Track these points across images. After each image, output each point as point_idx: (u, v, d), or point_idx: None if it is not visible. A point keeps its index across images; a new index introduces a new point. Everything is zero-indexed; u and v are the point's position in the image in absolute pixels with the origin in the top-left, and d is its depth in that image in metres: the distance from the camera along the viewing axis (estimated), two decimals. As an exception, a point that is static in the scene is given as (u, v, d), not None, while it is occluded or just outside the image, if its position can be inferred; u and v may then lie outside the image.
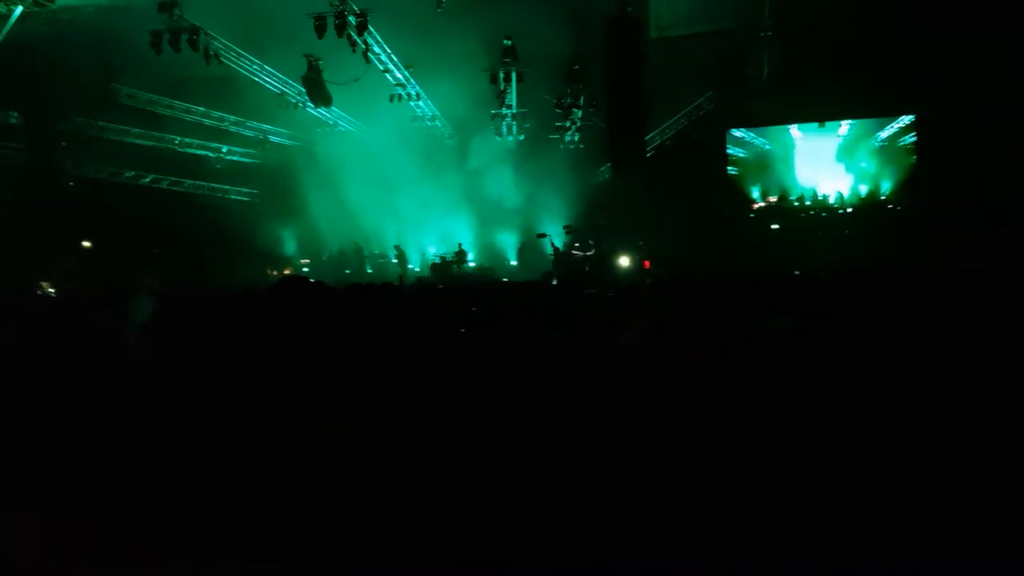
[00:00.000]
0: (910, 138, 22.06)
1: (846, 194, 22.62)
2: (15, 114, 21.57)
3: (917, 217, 20.90)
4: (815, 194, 22.78)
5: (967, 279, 4.10)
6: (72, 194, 22.24)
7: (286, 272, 24.42)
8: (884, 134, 22.41)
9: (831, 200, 22.68)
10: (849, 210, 22.44)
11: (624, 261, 21.33)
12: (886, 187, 22.41)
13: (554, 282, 13.36)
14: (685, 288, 6.05)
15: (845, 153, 22.79)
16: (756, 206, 22.99)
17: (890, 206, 22.16)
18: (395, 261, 24.65)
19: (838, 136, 22.74)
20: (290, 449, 2.59)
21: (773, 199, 22.94)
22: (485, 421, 2.82)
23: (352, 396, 2.99)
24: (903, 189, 22.03)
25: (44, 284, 20.59)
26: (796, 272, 13.10)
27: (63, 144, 22.25)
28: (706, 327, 4.31)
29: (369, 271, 25.17)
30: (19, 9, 19.19)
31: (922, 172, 21.58)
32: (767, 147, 23.18)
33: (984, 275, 4.08)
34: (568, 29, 20.22)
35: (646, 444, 2.70)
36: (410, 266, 24.74)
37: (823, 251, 18.91)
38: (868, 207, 22.21)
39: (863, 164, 22.64)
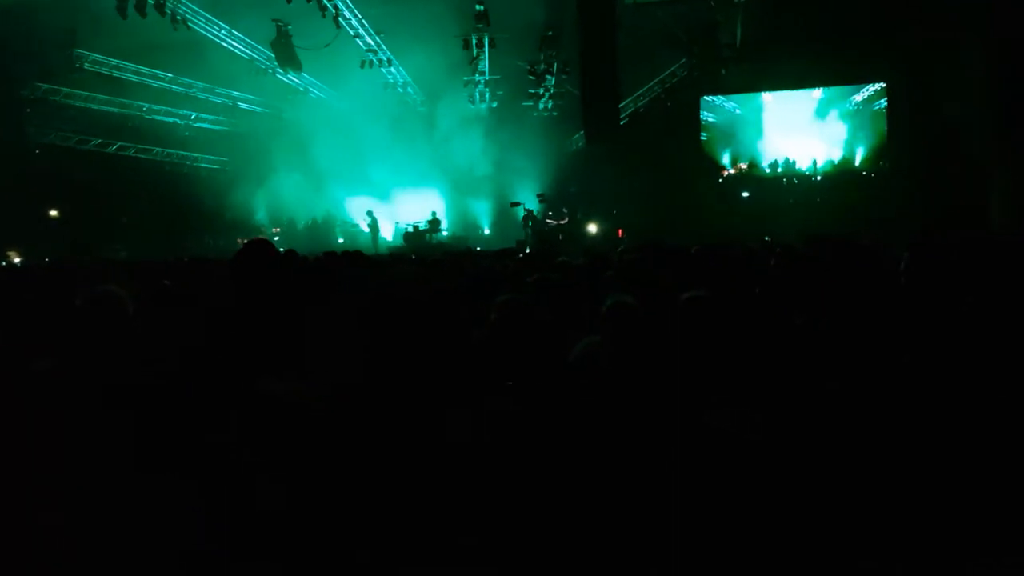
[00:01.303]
0: (884, 102, 22.09)
1: (819, 161, 22.62)
2: (-23, 81, 21.09)
3: (888, 185, 21.16)
4: (787, 161, 22.75)
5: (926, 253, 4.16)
6: (38, 162, 21.83)
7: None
8: (858, 97, 22.36)
9: (803, 167, 22.66)
10: (819, 178, 22.49)
11: (596, 229, 21.41)
12: (859, 153, 22.40)
13: (527, 251, 13.39)
14: (656, 258, 6.13)
15: (818, 117, 22.67)
16: (726, 173, 22.97)
17: (864, 172, 22.22)
18: (367, 230, 24.49)
19: (811, 99, 22.60)
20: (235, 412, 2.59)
21: (743, 166, 22.90)
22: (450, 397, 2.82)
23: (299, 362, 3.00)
24: (875, 156, 22.10)
25: (10, 253, 20.31)
26: (766, 239, 13.25)
27: (28, 111, 21.79)
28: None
29: (340, 240, 25.00)
30: (-21, -28, 18.65)
31: (892, 139, 21.73)
32: (737, 111, 23.08)
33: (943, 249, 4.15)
34: (541, -6, 20.08)
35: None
36: (381, 236, 24.59)
37: (793, 219, 19.07)
38: (840, 174, 22.31)
39: (836, 128, 22.56)
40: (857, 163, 22.36)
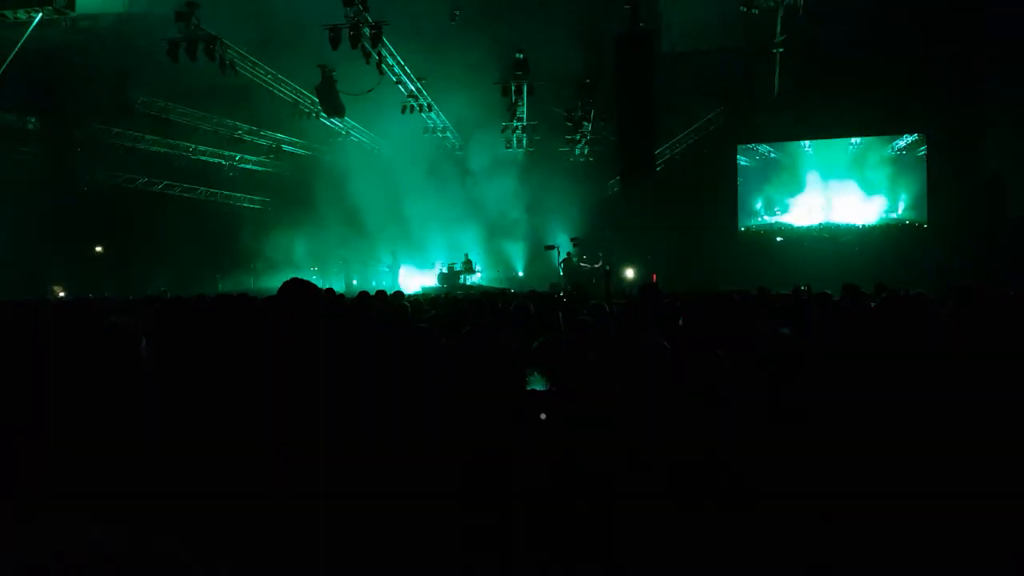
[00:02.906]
0: (925, 148, 21.83)
1: (858, 209, 22.39)
2: (32, 119, 21.87)
3: (928, 237, 20.95)
4: (824, 207, 22.52)
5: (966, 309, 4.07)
6: (86, 199, 22.48)
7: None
8: (902, 143, 22.20)
9: (841, 215, 22.45)
10: (858, 226, 22.31)
11: (631, 274, 21.42)
12: (900, 201, 22.11)
13: (560, 294, 13.45)
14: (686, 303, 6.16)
15: (857, 162, 22.51)
16: (760, 219, 22.88)
17: (906, 222, 21.92)
18: (387, 270, 24.81)
19: (850, 144, 22.52)
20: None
21: (779, 212, 22.80)
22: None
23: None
24: (916, 206, 21.86)
25: (56, 288, 20.83)
26: (802, 287, 13.14)
27: (79, 150, 22.52)
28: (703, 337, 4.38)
29: (355, 282, 25.13)
30: (39, 16, 19.48)
31: (932, 190, 21.57)
32: (772, 155, 23.05)
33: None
34: (580, 43, 20.42)
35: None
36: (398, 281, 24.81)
37: (829, 268, 18.91)
38: (880, 223, 22.10)
39: (876, 173, 22.30)
40: (899, 212, 22.09)
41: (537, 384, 3.15)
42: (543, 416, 2.90)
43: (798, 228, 22.74)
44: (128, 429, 2.72)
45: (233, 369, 3.26)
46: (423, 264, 25.29)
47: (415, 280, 24.52)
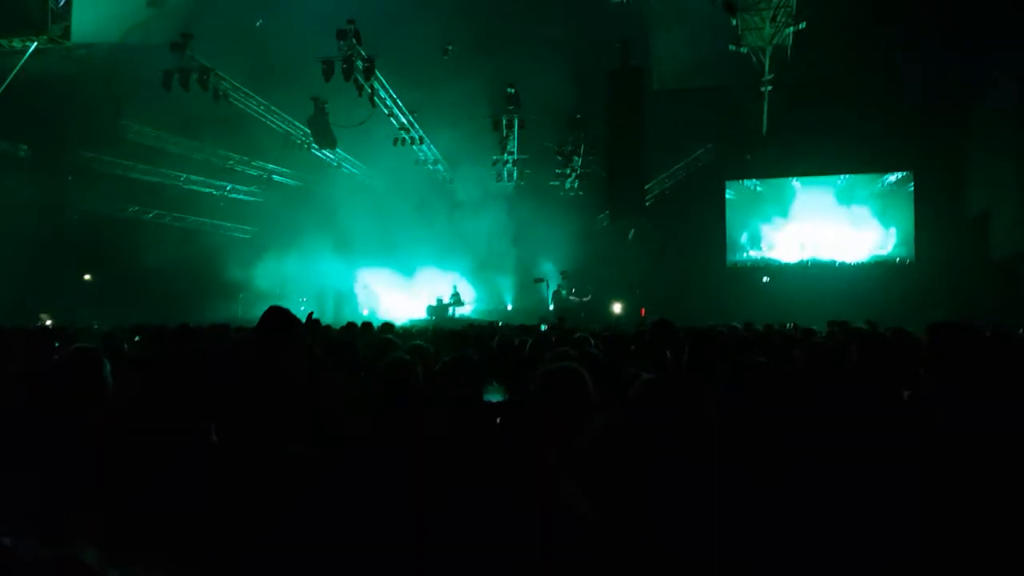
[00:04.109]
0: (913, 185, 21.95)
1: (846, 245, 22.45)
2: (24, 147, 21.89)
3: (914, 275, 21.07)
4: (810, 243, 22.55)
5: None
6: (76, 227, 22.43)
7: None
8: (892, 177, 22.36)
9: (828, 251, 22.50)
10: (843, 263, 22.37)
11: (619, 308, 21.47)
12: (888, 237, 22.18)
13: (543, 327, 13.45)
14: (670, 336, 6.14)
15: (844, 196, 22.60)
16: (747, 254, 22.92)
17: (896, 259, 22.00)
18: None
19: (838, 177, 22.61)
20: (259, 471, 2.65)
21: (764, 246, 22.81)
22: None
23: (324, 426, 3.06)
24: (903, 243, 21.96)
25: (43, 316, 20.69)
26: (788, 325, 13.16)
27: (70, 178, 22.52)
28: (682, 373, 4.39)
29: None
30: (34, 44, 19.61)
31: (920, 228, 21.74)
32: (759, 189, 23.15)
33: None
34: (571, 79, 20.66)
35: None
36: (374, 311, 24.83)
37: (815, 304, 18.95)
38: (868, 261, 22.19)
39: (863, 209, 22.35)
40: (888, 249, 22.10)
41: (495, 395, 3.15)
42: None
43: (785, 264, 22.80)
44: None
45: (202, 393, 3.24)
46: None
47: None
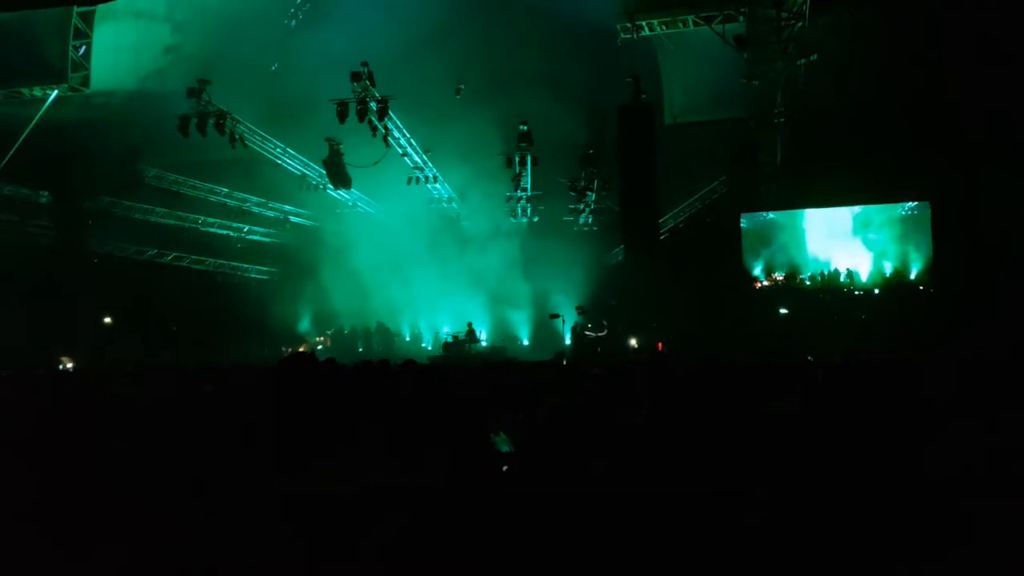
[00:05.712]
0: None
1: (863, 273, 22.08)
2: (45, 193, 22.24)
3: (934, 303, 20.75)
4: (827, 271, 22.18)
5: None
6: (96, 271, 22.67)
7: (300, 349, 24.45)
8: (910, 203, 22.01)
9: (844, 279, 22.10)
10: (860, 293, 22.01)
11: (635, 342, 21.33)
12: (906, 263, 21.77)
13: (564, 362, 13.41)
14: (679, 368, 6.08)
15: (861, 223, 22.19)
16: (758, 284, 22.58)
17: (919, 288, 21.55)
18: (408, 339, 24.73)
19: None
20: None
21: (779, 277, 22.47)
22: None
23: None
24: (923, 270, 21.60)
25: (64, 359, 20.83)
26: (809, 357, 12.98)
27: (90, 222, 22.81)
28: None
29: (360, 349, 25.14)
30: (55, 93, 20.03)
31: (938, 255, 21.44)
32: (773, 218, 22.85)
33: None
34: (583, 115, 20.79)
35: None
36: (423, 344, 24.85)
37: (836, 336, 18.66)
38: (886, 289, 21.83)
39: (881, 237, 21.84)
40: (911, 276, 21.66)
41: (503, 446, 3.14)
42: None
43: (803, 290, 22.48)
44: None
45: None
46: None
47: None
